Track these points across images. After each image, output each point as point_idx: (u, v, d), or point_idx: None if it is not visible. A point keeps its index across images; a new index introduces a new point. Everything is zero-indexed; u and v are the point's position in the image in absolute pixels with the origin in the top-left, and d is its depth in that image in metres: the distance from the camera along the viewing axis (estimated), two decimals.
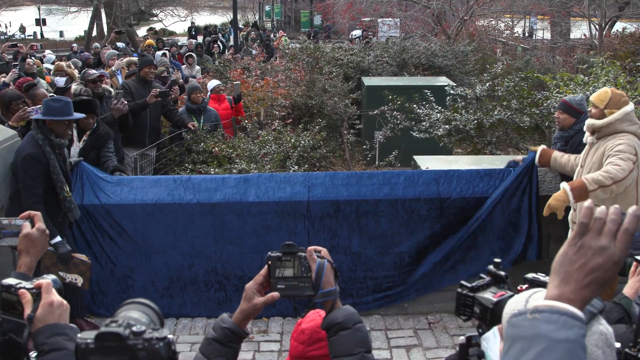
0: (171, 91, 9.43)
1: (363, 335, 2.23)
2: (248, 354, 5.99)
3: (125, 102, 7.93)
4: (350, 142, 11.64)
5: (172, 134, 9.15)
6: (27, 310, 2.08)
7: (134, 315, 1.79)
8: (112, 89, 9.26)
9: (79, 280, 5.62)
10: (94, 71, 9.19)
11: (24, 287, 2.14)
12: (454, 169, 6.73)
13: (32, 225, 2.56)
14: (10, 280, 2.17)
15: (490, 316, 2.08)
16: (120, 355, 1.56)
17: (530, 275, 2.07)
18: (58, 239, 5.69)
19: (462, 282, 2.19)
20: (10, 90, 7.82)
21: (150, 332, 1.59)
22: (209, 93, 10.44)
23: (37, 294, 2.12)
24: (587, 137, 5.65)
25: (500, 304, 2.02)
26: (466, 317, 2.19)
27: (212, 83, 10.71)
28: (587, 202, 1.47)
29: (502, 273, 2.19)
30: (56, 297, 2.15)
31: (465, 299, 2.17)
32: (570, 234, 1.48)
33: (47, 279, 2.19)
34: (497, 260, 2.25)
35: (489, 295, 2.12)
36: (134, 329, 1.58)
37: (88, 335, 1.58)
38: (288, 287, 2.26)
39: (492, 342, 1.98)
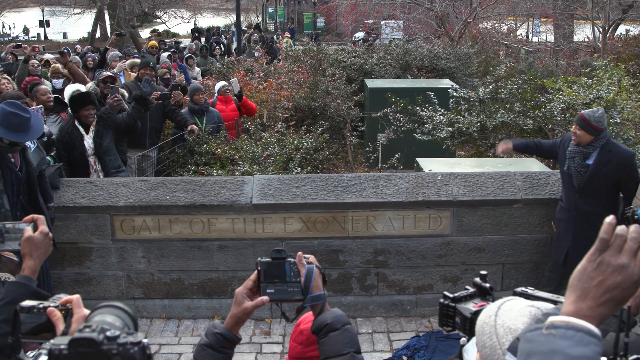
0: (172, 94, 9.43)
1: (352, 336, 2.26)
2: (250, 356, 5.99)
3: (119, 96, 7.91)
4: (353, 144, 11.64)
5: (174, 135, 9.16)
6: (61, 327, 2.06)
7: (107, 319, 1.76)
8: (125, 92, 9.24)
9: (11, 279, 5.54)
10: (105, 72, 9.26)
11: (49, 306, 2.11)
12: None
13: (35, 229, 2.57)
14: (29, 302, 2.15)
15: (469, 326, 2.08)
16: None
17: (519, 289, 2.07)
18: None
19: (445, 292, 2.19)
20: (12, 91, 7.83)
21: (125, 336, 1.55)
22: (215, 95, 10.43)
23: (67, 309, 2.10)
24: None
25: (478, 314, 2.01)
26: (449, 327, 2.19)
27: (219, 84, 10.68)
28: (609, 218, 1.43)
29: (487, 285, 2.18)
30: (86, 310, 2.11)
31: (447, 310, 2.17)
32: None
33: (76, 295, 2.18)
34: (484, 272, 2.24)
35: (470, 306, 2.12)
36: (108, 333, 1.54)
37: (61, 341, 1.56)
38: (277, 291, 2.28)
39: (471, 352, 1.98)
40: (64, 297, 2.16)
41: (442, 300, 2.17)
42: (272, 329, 6.49)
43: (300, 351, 2.71)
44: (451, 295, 2.15)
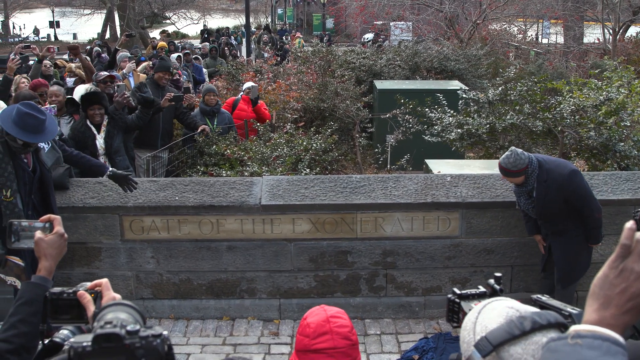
0: (184, 97, 9.48)
1: None
2: (259, 357, 5.99)
3: (127, 94, 8.05)
4: (362, 145, 11.63)
5: (185, 136, 9.19)
6: (92, 309, 2.10)
7: (121, 316, 1.79)
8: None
9: (18, 284, 5.55)
10: (104, 73, 9.33)
11: (78, 290, 2.18)
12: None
13: (51, 229, 2.59)
14: (58, 288, 2.21)
15: None
16: (117, 356, 1.55)
17: (534, 296, 2.07)
18: None
19: (454, 289, 2.20)
20: (25, 91, 7.87)
21: (144, 330, 1.59)
22: (241, 93, 10.45)
23: (96, 292, 2.16)
24: None
25: None
26: (455, 323, 2.19)
27: (247, 84, 10.65)
28: (629, 224, 1.39)
29: (498, 287, 2.18)
30: (115, 294, 2.17)
31: (453, 305, 2.18)
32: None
33: (104, 278, 2.23)
34: (498, 274, 2.24)
35: (473, 304, 2.12)
36: (129, 328, 1.57)
37: (83, 339, 1.57)
38: None
39: None
40: (89, 284, 2.21)
41: (449, 295, 2.18)
42: (281, 330, 6.49)
43: (307, 344, 2.73)
44: (458, 292, 2.16)
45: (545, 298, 2.01)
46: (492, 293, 2.17)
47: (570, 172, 5.75)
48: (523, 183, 5.80)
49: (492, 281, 2.20)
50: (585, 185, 5.83)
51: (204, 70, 16.48)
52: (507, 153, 5.80)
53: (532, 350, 1.57)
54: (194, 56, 17.40)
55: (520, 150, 5.77)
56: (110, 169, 6.36)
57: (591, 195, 5.83)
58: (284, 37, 29.82)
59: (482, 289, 2.19)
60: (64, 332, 2.33)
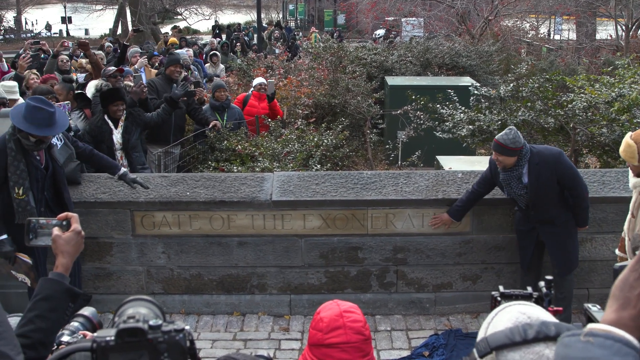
0: (195, 92, 9.50)
1: None
2: (269, 352, 6.00)
3: (144, 84, 8.14)
4: (373, 141, 11.61)
5: (196, 131, 9.20)
6: None
7: (142, 311, 1.81)
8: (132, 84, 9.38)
9: (27, 281, 5.56)
10: (112, 67, 9.38)
11: None
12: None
13: (68, 227, 2.61)
14: None
15: None
16: (140, 350, 1.57)
17: (585, 305, 2.06)
18: (4, 236, 5.54)
19: (500, 286, 2.19)
20: (42, 86, 7.92)
21: (166, 324, 1.61)
22: (251, 89, 10.47)
23: None
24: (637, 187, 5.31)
25: None
26: None
27: (257, 80, 10.67)
28: None
29: (545, 291, 2.17)
30: None
31: (494, 303, 2.17)
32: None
33: None
34: (549, 277, 2.22)
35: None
36: (151, 322, 1.60)
37: (107, 333, 1.59)
38: None
39: None
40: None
41: (493, 293, 2.18)
42: (291, 326, 6.51)
43: (320, 338, 2.73)
44: (502, 290, 2.15)
45: (595, 309, 2.00)
46: (538, 298, 2.15)
47: (559, 152, 5.90)
48: (512, 167, 5.79)
49: (542, 283, 2.19)
50: (572, 164, 5.97)
51: (221, 66, 16.49)
52: (506, 130, 5.83)
53: (530, 359, 1.58)
54: (212, 52, 17.40)
55: (517, 130, 5.84)
56: (120, 172, 6.34)
57: (579, 174, 5.92)
58: (291, 34, 29.81)
59: (529, 289, 2.17)
60: (74, 325, 2.35)
